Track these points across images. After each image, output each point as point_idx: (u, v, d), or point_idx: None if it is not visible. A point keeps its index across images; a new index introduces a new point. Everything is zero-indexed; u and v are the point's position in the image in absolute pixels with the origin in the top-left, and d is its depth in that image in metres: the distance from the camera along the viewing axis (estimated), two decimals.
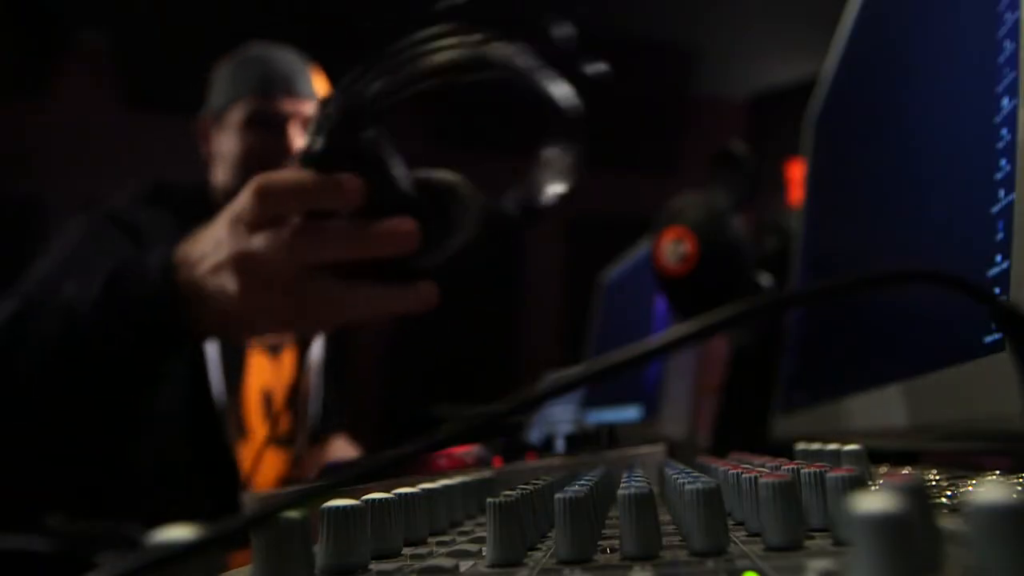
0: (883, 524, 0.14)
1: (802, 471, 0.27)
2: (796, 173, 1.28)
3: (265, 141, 1.07)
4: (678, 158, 3.34)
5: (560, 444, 0.59)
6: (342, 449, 1.30)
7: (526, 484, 0.33)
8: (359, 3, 2.92)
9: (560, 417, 0.99)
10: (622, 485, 0.26)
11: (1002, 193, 0.36)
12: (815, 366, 0.75)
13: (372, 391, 3.18)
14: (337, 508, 0.26)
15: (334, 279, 0.57)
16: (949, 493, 0.32)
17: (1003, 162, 0.36)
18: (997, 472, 0.38)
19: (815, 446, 0.37)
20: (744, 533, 0.28)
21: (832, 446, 0.36)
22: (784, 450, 0.41)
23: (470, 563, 0.26)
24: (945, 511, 0.27)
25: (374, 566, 0.27)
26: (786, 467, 0.31)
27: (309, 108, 1.08)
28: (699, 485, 0.25)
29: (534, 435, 0.65)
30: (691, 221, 0.96)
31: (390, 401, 3.09)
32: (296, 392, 1.13)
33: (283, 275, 0.56)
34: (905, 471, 0.39)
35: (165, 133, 3.30)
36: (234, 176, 1.06)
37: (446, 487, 0.36)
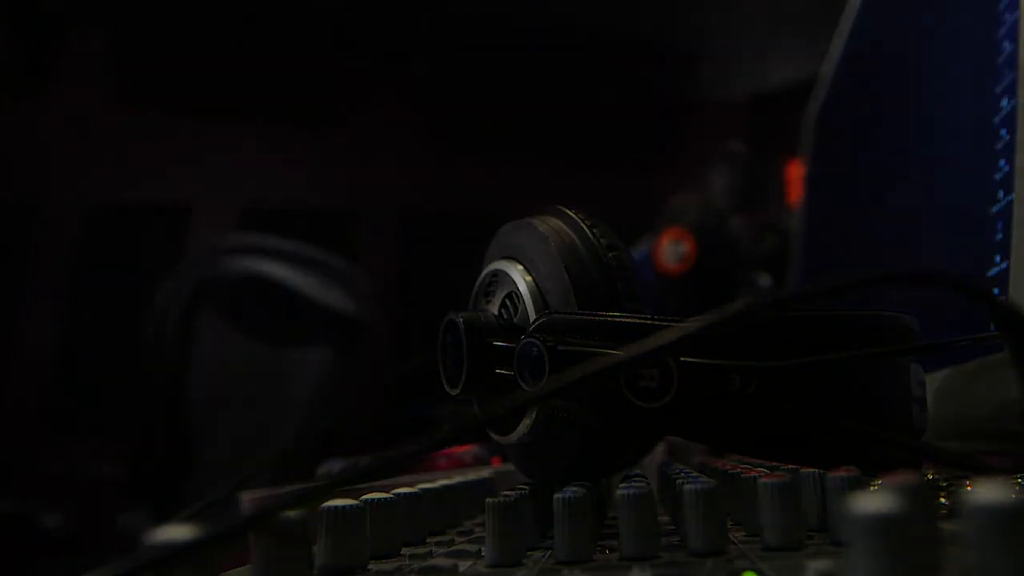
0: (883, 524, 0.14)
1: (801, 471, 0.27)
2: (796, 173, 1.28)
3: None
4: (678, 158, 3.34)
5: None
6: None
7: (525, 484, 0.32)
8: (358, 3, 2.91)
9: None
10: (621, 485, 0.26)
11: (1001, 193, 0.36)
12: None
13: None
14: (336, 508, 0.26)
15: None
16: (948, 493, 0.32)
17: (1002, 162, 0.36)
18: (997, 472, 0.38)
19: None
20: (743, 533, 0.28)
21: None
22: None
23: (469, 563, 0.26)
24: (944, 511, 0.27)
25: (373, 566, 0.27)
26: (785, 467, 0.31)
27: None
28: (698, 485, 0.25)
29: None
30: (690, 221, 0.96)
31: None
32: None
33: None
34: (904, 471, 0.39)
35: (163, 133, 3.30)
36: None
37: (445, 487, 0.36)
